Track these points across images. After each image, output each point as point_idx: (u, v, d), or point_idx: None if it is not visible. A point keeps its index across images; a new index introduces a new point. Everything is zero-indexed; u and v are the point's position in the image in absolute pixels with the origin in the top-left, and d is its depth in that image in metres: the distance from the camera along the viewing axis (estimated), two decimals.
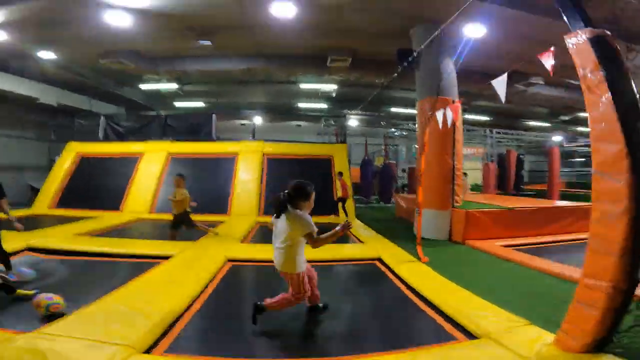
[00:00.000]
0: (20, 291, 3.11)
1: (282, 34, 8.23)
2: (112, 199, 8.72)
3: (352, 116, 14.03)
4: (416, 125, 7.57)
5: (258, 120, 15.75)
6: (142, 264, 4.27)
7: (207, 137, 10.08)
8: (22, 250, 4.71)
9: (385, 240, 6.01)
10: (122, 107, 13.33)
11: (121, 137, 10.36)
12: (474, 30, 6.84)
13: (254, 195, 8.82)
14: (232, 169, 9.26)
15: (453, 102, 6.16)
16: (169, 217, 7.89)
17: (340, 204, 8.44)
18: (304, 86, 12.80)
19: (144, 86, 11.75)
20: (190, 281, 3.57)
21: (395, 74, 8.08)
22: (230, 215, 8.37)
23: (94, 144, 9.99)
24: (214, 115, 10.39)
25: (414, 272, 4.09)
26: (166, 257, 4.49)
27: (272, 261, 2.88)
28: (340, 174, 8.65)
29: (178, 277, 3.70)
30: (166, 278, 3.68)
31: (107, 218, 7.63)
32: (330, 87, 12.85)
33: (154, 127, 10.33)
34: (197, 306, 3.19)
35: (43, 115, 10.91)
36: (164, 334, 2.55)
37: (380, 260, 4.80)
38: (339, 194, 8.59)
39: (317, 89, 13.26)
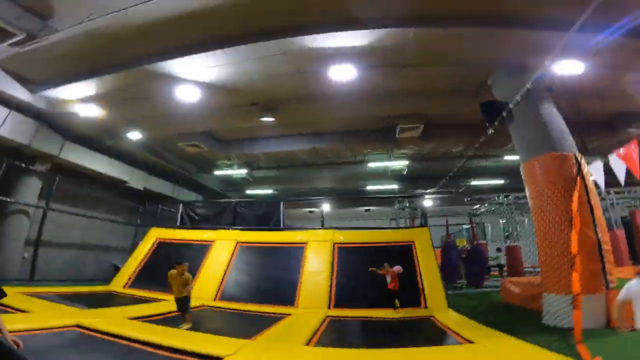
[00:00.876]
0: None
1: (344, 104, 7.97)
2: None
3: (427, 195, 12.91)
4: (526, 192, 5.91)
5: (326, 207, 15.57)
6: None
7: (276, 226, 9.88)
8: (71, 326, 4.59)
9: (505, 336, 4.46)
10: (200, 195, 14.24)
11: (195, 223, 10.67)
12: (569, 68, 5.76)
13: (324, 287, 7.94)
14: (301, 258, 8.67)
15: (575, 157, 4.91)
16: (233, 305, 7.41)
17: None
18: (372, 165, 12.42)
19: (218, 172, 12.49)
20: None
21: (485, 136, 6.92)
22: (297, 308, 7.51)
23: (172, 230, 10.38)
24: (282, 203, 10.28)
25: None
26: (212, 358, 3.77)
27: None
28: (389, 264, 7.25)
29: None
30: None
31: (171, 302, 7.25)
32: (401, 164, 12.27)
33: (226, 214, 10.49)
34: None
35: (133, 200, 11.97)
36: None
37: None
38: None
39: (386, 168, 12.75)
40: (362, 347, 4.44)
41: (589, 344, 4.05)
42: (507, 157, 11.14)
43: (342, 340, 5.45)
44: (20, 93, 6.95)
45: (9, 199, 8.11)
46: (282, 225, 9.93)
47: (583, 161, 4.97)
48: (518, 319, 6.13)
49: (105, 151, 9.88)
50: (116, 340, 4.34)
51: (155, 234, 10.22)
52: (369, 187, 14.90)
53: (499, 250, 12.30)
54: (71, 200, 9.98)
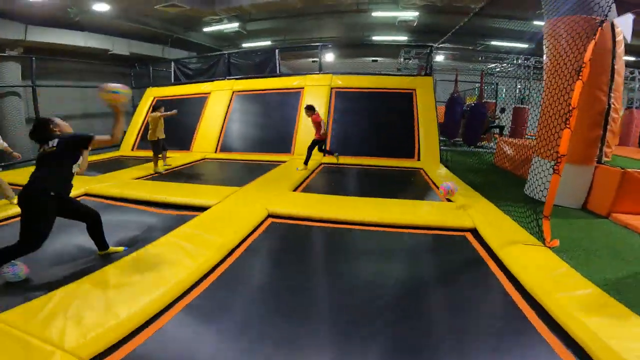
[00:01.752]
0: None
1: None
2: (184, 139, 8.90)
3: (439, 50, 11.72)
4: (544, 55, 5.12)
5: (330, 56, 14.53)
6: (183, 217, 3.96)
7: (272, 74, 9.52)
8: (80, 196, 4.84)
9: (484, 200, 4.35)
10: (193, 52, 13.45)
11: (190, 78, 10.56)
12: None
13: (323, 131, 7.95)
14: (297, 105, 8.49)
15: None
16: (233, 155, 7.83)
17: (317, 148, 6.61)
18: (377, 14, 10.92)
19: (207, 29, 11.63)
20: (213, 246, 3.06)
21: None
22: (293, 155, 7.78)
23: (167, 87, 10.34)
24: (277, 50, 9.72)
25: (532, 264, 2.62)
26: (205, 208, 4.14)
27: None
28: (310, 107, 6.45)
29: (208, 234, 3.27)
30: (196, 233, 3.30)
31: (176, 159, 7.69)
32: (410, 15, 10.71)
33: (220, 66, 10.19)
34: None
35: (123, 66, 11.56)
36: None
37: (474, 232, 3.45)
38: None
39: (393, 18, 11.21)
40: (346, 193, 4.77)
41: (556, 222, 3.60)
42: (537, 22, 9.62)
43: (329, 185, 5.82)
44: None
45: None
46: (278, 72, 9.60)
47: (618, 29, 4.24)
48: (502, 185, 5.92)
49: (77, 26, 9.28)
50: (116, 203, 4.60)
51: (152, 94, 10.18)
52: (375, 38, 13.57)
53: (502, 110, 11.91)
54: (58, 75, 9.86)
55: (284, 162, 7.17)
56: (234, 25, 11.18)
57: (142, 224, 3.86)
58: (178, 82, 10.57)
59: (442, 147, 8.07)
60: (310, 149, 6.39)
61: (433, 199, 4.76)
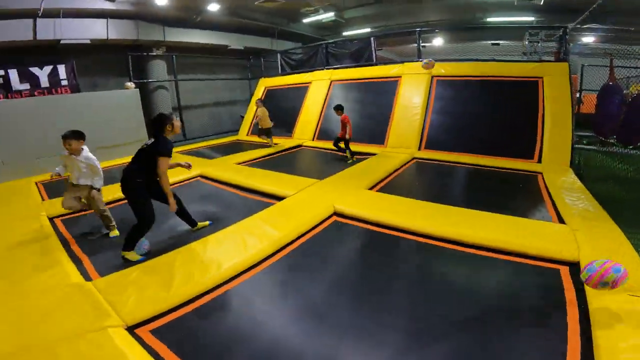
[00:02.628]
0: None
1: None
2: (287, 126, 9.45)
3: (583, 32, 9.27)
4: None
5: (437, 41, 13.13)
6: (264, 203, 4.39)
7: (368, 62, 9.28)
8: (195, 177, 5.86)
9: (610, 224, 3.24)
10: (298, 43, 14.05)
11: (294, 69, 11.18)
12: None
13: (416, 125, 7.31)
14: (393, 94, 7.99)
15: None
16: (326, 144, 7.94)
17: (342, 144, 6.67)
18: None
19: (306, 20, 11.87)
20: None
21: None
22: (385, 147, 7.37)
23: (275, 78, 11.10)
24: (372, 38, 9.35)
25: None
26: (282, 198, 4.47)
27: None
28: (339, 107, 6.67)
29: (272, 224, 3.55)
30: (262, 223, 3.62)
31: (280, 144, 8.37)
32: None
33: (318, 56, 10.44)
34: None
35: (241, 59, 12.98)
36: None
37: (573, 267, 2.64)
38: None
39: None
40: (430, 198, 4.09)
41: None
42: None
43: (413, 186, 5.34)
44: (105, 4, 8.11)
45: (147, 80, 10.16)
46: (374, 61, 9.26)
47: None
48: None
49: (200, 26, 10.66)
50: (217, 185, 5.44)
51: (264, 84, 11.10)
52: (491, 19, 11.38)
53: None
54: (193, 70, 11.66)
55: (375, 154, 6.86)
56: (330, 15, 11.11)
57: (231, 205, 4.54)
58: (284, 72, 11.29)
59: (583, 147, 6.40)
60: (336, 144, 6.75)
61: (540, 216, 3.75)
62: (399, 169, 5.89)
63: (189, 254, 3.00)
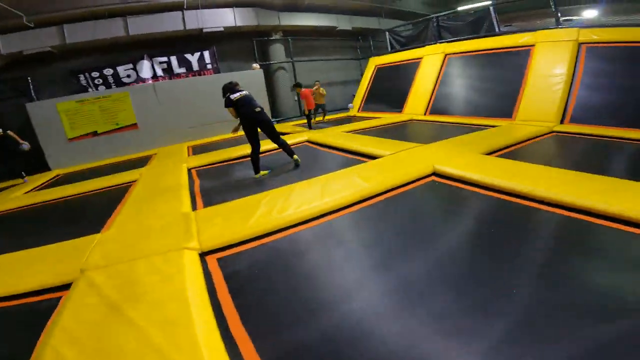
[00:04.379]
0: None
1: None
2: (397, 102, 9.14)
3: None
4: None
5: (590, 13, 10.37)
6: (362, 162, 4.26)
7: (489, 32, 8.03)
8: (303, 142, 6.29)
9: None
10: (407, 20, 13.20)
11: (403, 46, 10.61)
12: None
13: (557, 98, 5.92)
14: (525, 64, 6.68)
15: None
16: (441, 118, 7.27)
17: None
18: None
19: None
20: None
21: None
22: (514, 120, 6.25)
23: (385, 56, 10.75)
24: (492, 7, 8.07)
25: None
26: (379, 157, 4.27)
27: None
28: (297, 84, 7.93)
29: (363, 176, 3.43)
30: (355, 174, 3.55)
31: (386, 119, 8.09)
32: None
33: (429, 31, 9.70)
34: None
35: (351, 39, 13.13)
36: None
37: None
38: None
39: None
40: (571, 168, 3.06)
41: None
42: None
43: (552, 156, 4.27)
44: None
45: (269, 62, 11.23)
46: (497, 30, 7.95)
47: None
48: None
49: (311, 9, 11.17)
50: (321, 148, 5.65)
51: (374, 62, 10.85)
52: None
53: None
54: (308, 52, 12.27)
55: (499, 125, 5.87)
56: None
57: (331, 163, 4.74)
58: (394, 50, 10.83)
59: None
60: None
61: None
62: (530, 139, 4.83)
63: (276, 195, 3.09)
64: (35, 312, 2.00)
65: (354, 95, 11.65)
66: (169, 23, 9.00)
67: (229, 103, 4.27)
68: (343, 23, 12.09)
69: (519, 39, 7.05)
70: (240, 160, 5.49)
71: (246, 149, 5.57)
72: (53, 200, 4.76)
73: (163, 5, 8.74)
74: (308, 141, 6.25)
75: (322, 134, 6.33)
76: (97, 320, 1.67)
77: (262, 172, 4.40)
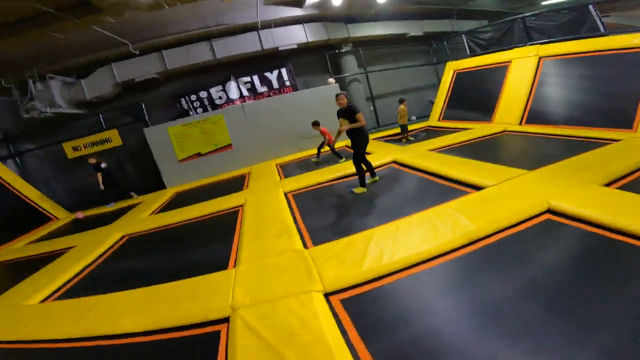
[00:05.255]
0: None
1: None
2: (484, 110, 8.62)
3: None
4: None
5: None
6: (460, 192, 4.23)
7: (592, 33, 7.14)
8: (389, 163, 6.27)
9: None
10: (484, 20, 12.25)
11: (485, 49, 9.96)
12: None
13: None
14: None
15: None
16: (540, 129, 6.73)
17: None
18: None
19: None
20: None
21: None
22: (636, 132, 5.44)
23: (464, 60, 10.14)
24: (591, 6, 7.09)
25: None
26: (480, 188, 4.11)
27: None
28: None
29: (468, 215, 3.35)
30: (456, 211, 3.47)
31: (476, 130, 7.69)
32: None
33: (515, 32, 8.93)
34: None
35: (422, 44, 12.67)
36: None
37: None
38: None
39: None
40: None
41: None
42: None
43: None
44: (298, 11, 9.71)
45: (343, 74, 11.38)
46: (603, 30, 7.00)
47: None
48: None
49: (378, 18, 11.07)
50: (410, 171, 5.56)
51: (452, 67, 10.35)
52: None
53: None
54: (379, 61, 12.19)
55: (617, 140, 5.14)
56: None
57: (424, 191, 4.60)
58: (474, 53, 10.21)
59: None
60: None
61: None
62: None
63: (382, 235, 3.23)
64: (203, 341, 2.45)
65: (431, 102, 11.30)
66: (248, 44, 9.65)
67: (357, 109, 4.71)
68: (413, 29, 11.83)
69: (631, 39, 6.14)
70: (331, 183, 5.77)
71: (333, 172, 5.88)
72: (175, 224, 5.60)
73: (242, 26, 9.38)
74: (395, 162, 6.25)
75: (410, 154, 6.24)
76: None
77: (359, 189, 4.81)
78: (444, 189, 4.46)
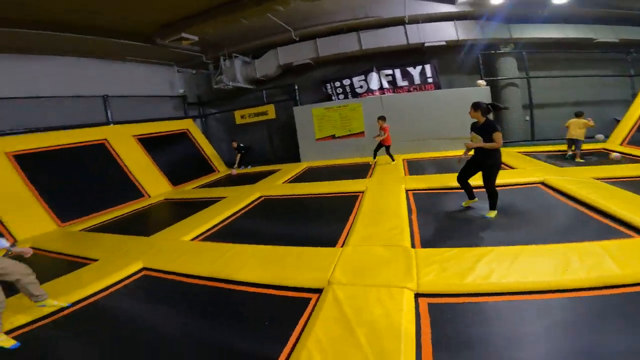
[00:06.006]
0: None
1: None
2: None
3: None
4: None
5: None
6: (614, 231, 3.58)
7: None
8: (534, 183, 5.42)
9: None
10: None
11: None
12: None
13: None
14: None
15: None
16: None
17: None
18: None
19: None
20: None
21: None
22: None
23: None
24: None
25: None
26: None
27: None
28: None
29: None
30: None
31: None
32: None
33: None
34: None
35: (613, 52, 9.95)
36: None
37: None
38: None
39: None
40: None
41: None
42: None
43: None
44: (449, 8, 9.11)
45: (497, 77, 10.06)
46: None
47: None
48: None
49: (551, 20, 9.40)
50: (561, 197, 4.66)
51: None
52: None
53: None
54: (547, 66, 10.25)
55: None
56: None
57: (571, 222, 3.89)
58: None
59: None
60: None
61: None
62: None
63: (500, 255, 2.97)
64: (295, 304, 2.81)
65: (616, 120, 9.01)
66: (394, 37, 9.60)
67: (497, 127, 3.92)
68: (603, 34, 9.55)
69: None
70: (455, 190, 5.39)
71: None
72: (302, 195, 6.30)
73: (388, 20, 9.37)
74: (544, 184, 5.32)
75: (567, 178, 5.19)
76: (338, 336, 2.21)
77: (492, 213, 4.19)
78: (598, 226, 3.66)
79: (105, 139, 8.39)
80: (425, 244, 3.59)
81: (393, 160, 8.07)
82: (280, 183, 7.53)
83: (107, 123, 9.04)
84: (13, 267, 2.77)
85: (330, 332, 2.25)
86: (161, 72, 11.15)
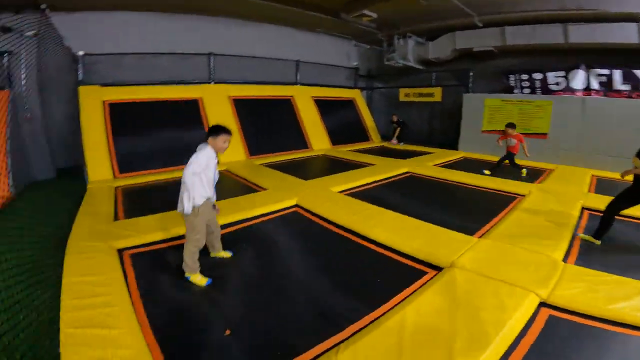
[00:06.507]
0: None
1: None
2: None
3: None
4: None
5: None
6: None
7: None
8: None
9: None
10: None
11: None
12: None
13: None
14: None
15: None
16: None
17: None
18: None
19: None
20: None
21: None
22: None
23: None
24: None
25: None
26: None
27: None
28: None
29: None
30: None
31: None
32: None
33: None
34: None
35: None
36: None
37: None
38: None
39: None
40: None
41: None
42: None
43: None
44: None
45: None
46: None
47: None
48: None
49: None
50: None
51: None
52: None
53: None
54: None
55: None
56: None
57: None
58: None
59: None
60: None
61: None
62: None
63: None
64: (410, 272, 3.01)
65: None
66: (619, 34, 7.54)
67: None
68: None
69: None
70: None
71: None
72: (451, 181, 6.13)
73: (612, 14, 7.33)
74: None
75: None
76: (438, 309, 2.29)
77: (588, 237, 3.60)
78: None
79: (292, 96, 10.03)
80: (583, 263, 3.10)
81: (521, 169, 6.99)
82: (430, 165, 7.44)
83: (295, 83, 10.70)
84: (216, 220, 3.16)
85: (433, 305, 2.35)
86: (340, 45, 12.28)
